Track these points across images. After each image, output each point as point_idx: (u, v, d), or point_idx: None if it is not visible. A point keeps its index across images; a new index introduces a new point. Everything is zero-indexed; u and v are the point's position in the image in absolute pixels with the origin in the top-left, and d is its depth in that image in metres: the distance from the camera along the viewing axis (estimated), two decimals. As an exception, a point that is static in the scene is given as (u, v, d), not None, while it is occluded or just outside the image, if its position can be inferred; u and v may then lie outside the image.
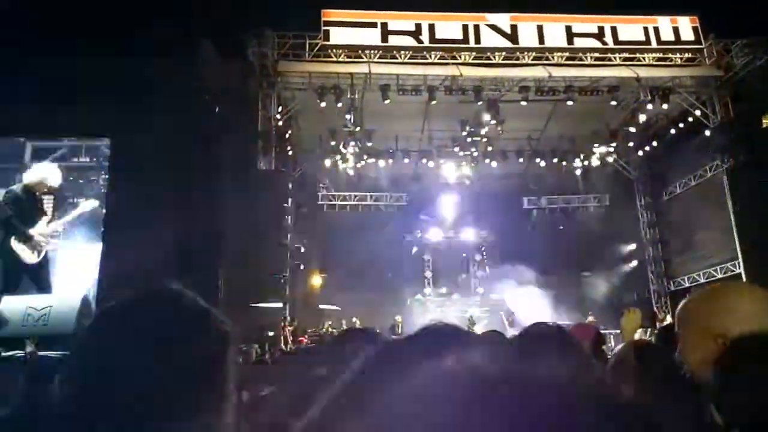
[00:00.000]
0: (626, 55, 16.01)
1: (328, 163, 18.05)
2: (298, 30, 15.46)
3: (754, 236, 14.39)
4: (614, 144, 18.67)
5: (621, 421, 0.37)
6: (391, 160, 18.45)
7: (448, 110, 16.34)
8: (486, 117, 16.38)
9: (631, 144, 18.68)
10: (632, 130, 17.62)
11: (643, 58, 16.11)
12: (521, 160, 18.70)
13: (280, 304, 13.97)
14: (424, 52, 15.63)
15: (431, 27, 15.70)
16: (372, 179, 19.61)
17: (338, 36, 15.39)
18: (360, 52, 15.46)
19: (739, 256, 15.45)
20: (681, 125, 17.01)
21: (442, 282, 20.01)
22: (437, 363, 0.41)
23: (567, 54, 15.93)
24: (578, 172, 19.85)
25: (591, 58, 15.94)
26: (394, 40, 15.59)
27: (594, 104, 16.32)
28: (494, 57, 15.81)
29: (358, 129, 16.35)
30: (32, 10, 12.29)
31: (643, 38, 16.14)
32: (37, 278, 6.07)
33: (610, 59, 15.99)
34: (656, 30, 16.18)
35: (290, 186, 17.66)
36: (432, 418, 0.36)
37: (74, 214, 6.92)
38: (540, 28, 15.92)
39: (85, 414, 0.81)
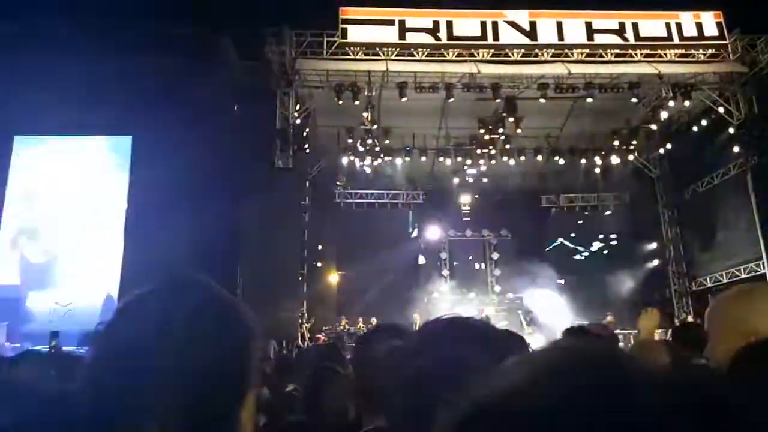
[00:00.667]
0: (647, 51, 15.76)
1: (345, 161, 18.09)
2: (315, 28, 15.53)
3: (780, 236, 14.10)
4: (635, 142, 18.39)
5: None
6: (408, 158, 18.41)
7: (466, 108, 16.26)
8: (504, 115, 16.27)
9: (652, 142, 18.39)
10: (653, 127, 17.34)
11: (665, 55, 15.85)
12: (539, 158, 18.51)
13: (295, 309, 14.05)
14: (442, 50, 15.57)
15: (449, 24, 15.64)
16: (389, 177, 19.60)
17: (356, 34, 15.41)
18: (377, 49, 15.46)
19: (764, 255, 15.16)
20: (704, 122, 16.68)
21: (458, 280, 19.94)
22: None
23: (587, 50, 15.75)
24: (597, 170, 19.59)
25: (611, 54, 15.73)
26: (411, 38, 15.57)
27: (614, 101, 16.10)
28: (513, 54, 15.69)
29: (375, 127, 16.36)
30: (59, 17, 12.54)
31: (665, 34, 15.89)
32: None
33: (630, 56, 15.77)
34: (678, 25, 15.91)
35: (307, 184, 17.75)
36: None
37: None
38: (559, 25, 15.76)
39: (109, 404, 0.80)
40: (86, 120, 13.57)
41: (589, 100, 15.45)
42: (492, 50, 15.66)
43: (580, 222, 20.93)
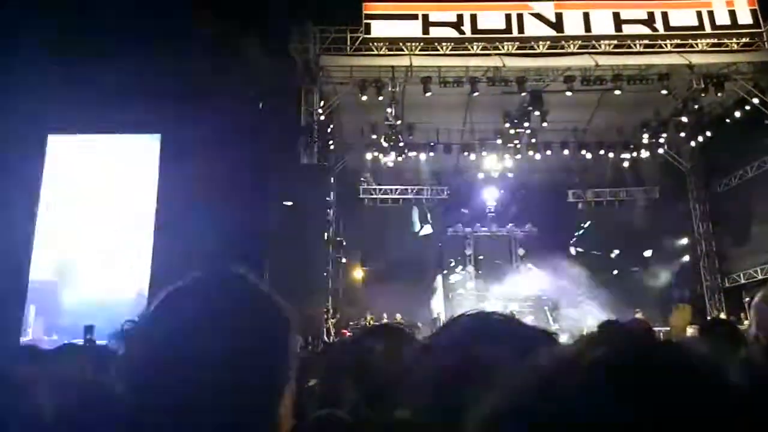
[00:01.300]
0: (678, 41, 15.37)
1: (369, 156, 18.11)
2: (339, 24, 15.57)
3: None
4: (665, 134, 17.96)
5: None
6: (432, 153, 18.33)
7: (491, 102, 16.10)
8: (529, 108, 16.07)
9: (682, 134, 17.92)
10: (684, 119, 16.91)
11: (696, 44, 15.43)
12: (566, 152, 18.22)
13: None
14: (466, 43, 15.45)
15: (473, 17, 15.50)
16: (413, 172, 19.56)
17: (379, 29, 15.40)
18: (401, 44, 15.42)
19: (801, 251, 14.68)
20: (737, 114, 16.19)
21: (483, 276, 19.81)
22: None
23: (615, 42, 15.44)
24: (626, 164, 19.19)
25: (640, 45, 15.39)
26: (435, 32, 15.48)
27: (643, 93, 15.74)
28: (538, 46, 15.48)
29: (399, 122, 16.35)
30: (88, 18, 12.80)
31: (696, 23, 15.46)
32: None
33: (660, 46, 15.40)
34: (710, 14, 15.46)
35: (332, 180, 17.84)
36: None
37: None
38: (586, 16, 15.47)
39: (149, 399, 0.80)
40: (115, 118, 13.87)
41: (617, 92, 15.12)
42: (517, 43, 15.47)
43: (608, 217, 20.56)
